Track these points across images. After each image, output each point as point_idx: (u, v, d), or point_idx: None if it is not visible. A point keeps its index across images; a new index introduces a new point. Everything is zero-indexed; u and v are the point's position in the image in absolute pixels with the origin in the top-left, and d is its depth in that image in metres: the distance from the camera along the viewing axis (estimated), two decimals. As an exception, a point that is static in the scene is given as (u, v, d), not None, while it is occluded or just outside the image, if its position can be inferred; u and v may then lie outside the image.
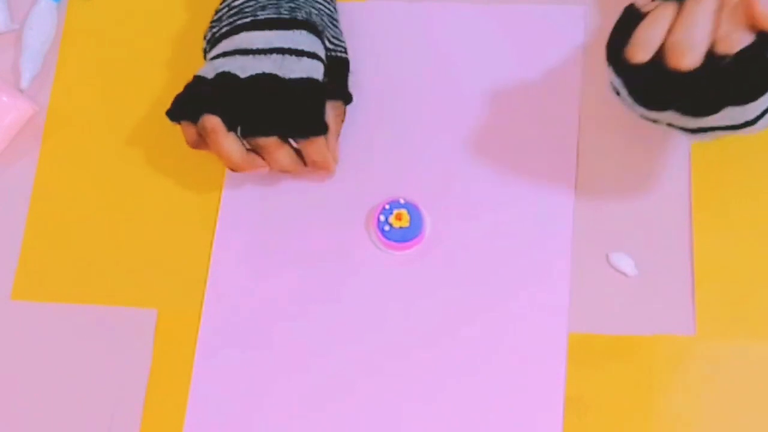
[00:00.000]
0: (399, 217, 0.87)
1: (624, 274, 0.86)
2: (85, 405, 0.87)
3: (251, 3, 0.89)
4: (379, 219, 0.87)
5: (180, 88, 0.95)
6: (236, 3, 0.90)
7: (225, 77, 0.85)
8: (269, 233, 0.90)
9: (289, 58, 0.86)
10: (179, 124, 0.87)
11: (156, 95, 0.96)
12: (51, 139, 0.96)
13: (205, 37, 0.91)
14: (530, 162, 0.90)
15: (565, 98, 0.91)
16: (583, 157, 0.89)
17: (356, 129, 0.92)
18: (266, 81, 0.85)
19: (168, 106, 0.94)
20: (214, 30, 0.90)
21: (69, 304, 0.90)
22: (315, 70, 0.87)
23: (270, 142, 0.85)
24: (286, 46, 0.86)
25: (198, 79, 0.87)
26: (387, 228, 0.87)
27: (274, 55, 0.86)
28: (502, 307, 0.86)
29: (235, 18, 0.89)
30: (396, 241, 0.87)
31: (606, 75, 0.77)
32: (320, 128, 0.86)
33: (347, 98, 0.91)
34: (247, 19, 0.88)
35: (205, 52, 0.91)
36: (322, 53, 0.88)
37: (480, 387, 0.84)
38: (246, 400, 0.86)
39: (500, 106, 0.91)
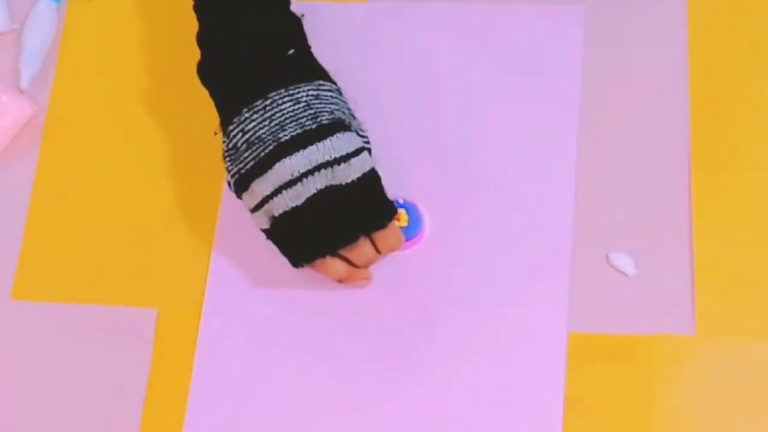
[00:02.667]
0: (398, 217, 0.87)
1: (624, 273, 0.86)
2: (85, 405, 0.87)
3: (264, 125, 0.82)
4: (378, 219, 0.87)
5: (180, 87, 0.95)
6: (249, 128, 0.83)
7: (283, 217, 0.81)
8: (269, 233, 0.90)
9: (338, 168, 0.81)
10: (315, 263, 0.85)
11: (156, 95, 0.96)
12: (51, 139, 0.96)
13: (229, 171, 0.84)
14: (530, 162, 0.90)
15: (565, 98, 0.91)
16: (583, 157, 0.89)
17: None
18: (325, 195, 0.81)
19: (167, 106, 0.95)
20: (239, 166, 0.83)
21: (69, 304, 0.90)
22: (365, 163, 0.83)
23: (360, 246, 0.83)
24: (329, 157, 0.81)
25: (266, 233, 0.84)
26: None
27: (323, 170, 0.81)
28: (502, 307, 0.86)
29: (255, 149, 0.82)
30: (395, 240, 0.87)
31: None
32: (390, 213, 0.84)
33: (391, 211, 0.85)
34: (271, 147, 0.81)
35: (232, 186, 0.85)
36: (360, 142, 0.83)
37: (480, 387, 0.84)
38: (246, 400, 0.86)
39: (500, 106, 0.91)
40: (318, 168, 0.81)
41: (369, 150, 0.85)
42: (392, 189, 0.89)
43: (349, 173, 0.81)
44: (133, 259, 0.91)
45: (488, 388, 0.84)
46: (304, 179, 0.81)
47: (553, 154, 0.90)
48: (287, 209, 0.81)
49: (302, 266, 0.84)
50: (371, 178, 0.83)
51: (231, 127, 0.84)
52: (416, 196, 0.89)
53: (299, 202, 0.81)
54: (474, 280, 0.87)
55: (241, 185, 0.83)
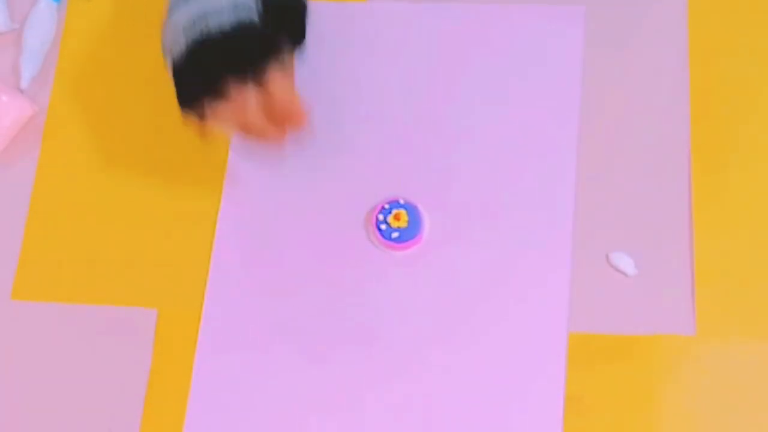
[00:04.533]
0: (398, 217, 0.87)
1: (624, 274, 0.86)
2: (85, 405, 0.87)
3: None
4: (377, 218, 0.87)
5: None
6: None
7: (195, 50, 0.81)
8: (269, 233, 0.90)
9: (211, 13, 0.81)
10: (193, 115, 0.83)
11: (156, 95, 0.96)
12: (51, 139, 0.96)
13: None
14: (530, 162, 0.90)
15: (565, 98, 0.91)
16: (583, 157, 0.89)
17: (356, 129, 0.92)
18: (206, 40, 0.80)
19: (167, 106, 0.94)
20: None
21: (69, 304, 0.90)
22: (241, 10, 0.81)
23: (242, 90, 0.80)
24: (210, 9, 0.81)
25: (180, 74, 0.83)
26: (385, 228, 0.87)
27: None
28: (502, 307, 0.86)
29: None
30: (394, 241, 0.87)
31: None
32: (271, 45, 0.81)
33: (297, 41, 0.84)
34: None
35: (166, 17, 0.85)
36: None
37: (480, 387, 0.84)
38: (246, 400, 0.86)
39: (500, 106, 0.91)
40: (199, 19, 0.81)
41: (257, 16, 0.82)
42: (392, 189, 0.89)
43: (222, 22, 0.80)
44: (133, 259, 0.91)
45: (488, 387, 0.84)
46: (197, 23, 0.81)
47: (553, 154, 0.90)
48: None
49: (193, 108, 0.82)
50: (248, 25, 0.80)
51: None
52: (416, 197, 0.89)
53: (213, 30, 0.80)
54: (474, 281, 0.87)
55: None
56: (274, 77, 0.80)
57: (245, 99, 0.80)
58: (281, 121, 0.81)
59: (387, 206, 0.88)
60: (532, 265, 0.87)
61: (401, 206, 0.88)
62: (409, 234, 0.87)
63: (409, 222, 0.87)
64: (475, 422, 0.83)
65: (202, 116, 0.82)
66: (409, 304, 0.87)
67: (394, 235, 0.87)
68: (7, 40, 0.99)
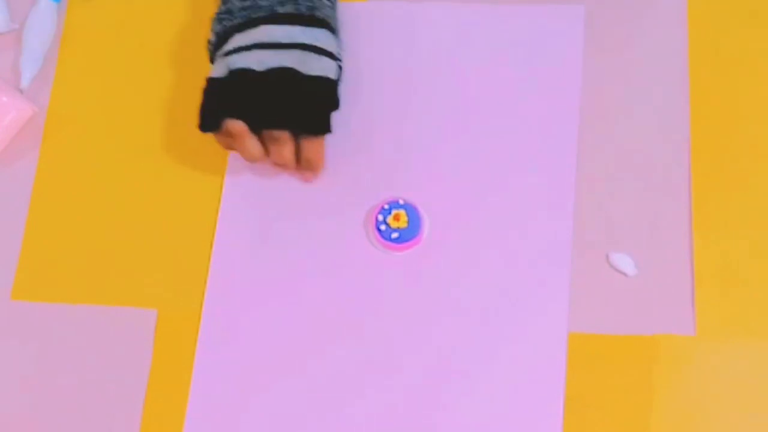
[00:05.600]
0: (397, 218, 0.87)
1: (624, 274, 0.86)
2: (85, 405, 0.87)
3: (265, 3, 0.89)
4: (377, 219, 0.87)
5: (180, 88, 0.95)
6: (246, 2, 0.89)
7: (241, 74, 0.86)
8: (269, 233, 0.90)
9: (310, 54, 0.87)
10: (211, 133, 0.88)
11: (156, 95, 0.96)
12: (51, 139, 0.96)
13: (212, 29, 0.90)
14: (530, 162, 0.90)
15: (565, 98, 0.91)
16: (583, 157, 0.89)
17: (356, 129, 0.92)
18: (284, 74, 0.86)
19: (167, 106, 0.95)
20: (225, 22, 0.89)
21: (69, 304, 0.90)
22: (331, 70, 0.88)
23: (281, 136, 0.86)
24: (308, 42, 0.87)
25: (212, 82, 0.88)
26: (384, 228, 0.87)
27: (297, 51, 0.87)
28: (502, 308, 0.86)
29: (250, 11, 0.88)
30: (394, 241, 0.87)
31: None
32: (328, 127, 0.88)
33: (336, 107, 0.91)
34: (265, 13, 0.88)
35: (213, 45, 0.90)
36: (338, 54, 0.89)
37: (480, 387, 0.84)
38: (246, 400, 0.86)
39: (500, 106, 0.91)
40: (295, 46, 0.86)
41: (339, 67, 0.90)
42: (392, 189, 0.89)
43: (314, 66, 0.86)
44: (133, 259, 0.91)
45: (488, 388, 0.84)
46: (279, 50, 0.86)
47: (553, 154, 0.90)
48: (247, 67, 0.86)
49: (214, 129, 0.87)
50: (329, 84, 0.87)
51: None
52: (416, 197, 0.89)
53: (261, 67, 0.86)
54: (474, 281, 0.87)
55: (223, 37, 0.89)
56: (317, 141, 0.88)
57: (281, 146, 0.87)
58: (301, 165, 0.89)
59: (386, 206, 0.88)
60: (532, 265, 0.87)
61: (401, 206, 0.88)
62: (408, 234, 0.87)
63: (408, 222, 0.87)
64: (475, 422, 0.83)
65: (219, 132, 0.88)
66: (408, 305, 0.87)
67: (394, 235, 0.87)
68: (7, 40, 0.99)
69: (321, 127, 0.88)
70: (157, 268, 0.90)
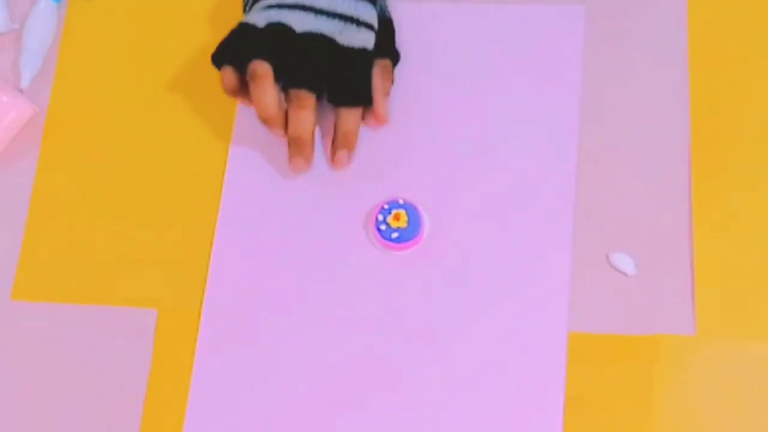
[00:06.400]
0: (397, 218, 0.87)
1: (624, 274, 0.86)
2: (85, 405, 0.87)
3: None
4: (377, 219, 0.87)
5: (179, 88, 0.95)
6: None
7: (279, 28, 0.85)
8: (269, 233, 0.90)
9: (349, 26, 0.87)
10: (220, 69, 0.87)
11: (156, 95, 0.96)
12: (51, 139, 0.96)
13: None
14: (530, 162, 0.90)
15: (565, 98, 0.91)
16: (583, 157, 0.89)
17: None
18: (323, 42, 0.85)
19: (167, 106, 0.94)
20: None
21: (69, 304, 0.90)
22: (369, 42, 0.88)
23: (307, 97, 0.85)
24: (348, 13, 0.87)
25: (246, 27, 0.87)
26: (385, 228, 0.87)
27: (336, 20, 0.87)
28: (502, 307, 0.86)
29: None
30: (394, 241, 0.87)
31: None
32: (365, 97, 0.87)
33: (395, 57, 0.91)
34: None
35: (247, 4, 0.90)
36: (376, 24, 0.89)
37: (480, 387, 0.84)
38: (246, 400, 0.86)
39: (500, 106, 0.91)
40: (335, 15, 0.86)
41: (391, 24, 0.91)
42: (392, 189, 0.89)
43: (352, 38, 0.86)
44: (133, 259, 0.91)
45: (488, 388, 0.84)
46: (319, 15, 0.86)
47: (553, 154, 0.90)
48: (284, 23, 0.85)
49: (230, 63, 0.86)
50: (367, 57, 0.87)
51: None
52: (416, 197, 0.89)
53: (300, 28, 0.85)
54: (473, 281, 0.87)
55: None
56: (353, 112, 0.87)
57: (303, 111, 0.86)
58: (337, 142, 0.89)
59: (386, 206, 0.88)
60: (532, 265, 0.87)
61: (401, 206, 0.88)
62: (408, 234, 0.87)
63: (408, 222, 0.87)
64: (475, 422, 0.83)
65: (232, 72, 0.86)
66: (408, 305, 0.87)
67: (394, 235, 0.87)
68: (7, 40, 0.99)
69: (359, 98, 0.87)
70: (157, 268, 0.90)
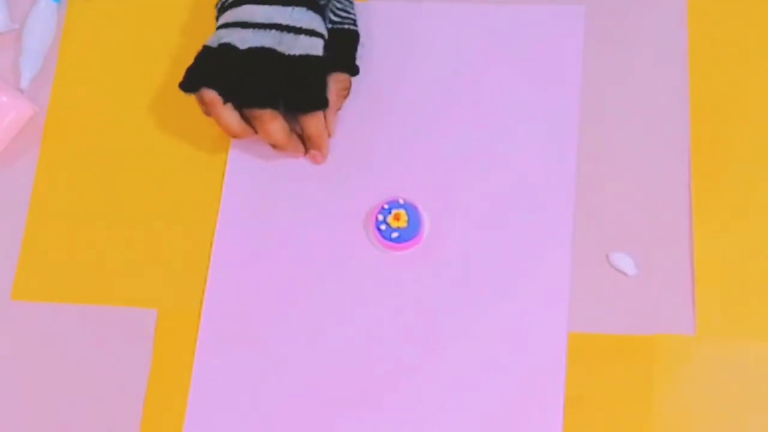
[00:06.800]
0: (397, 218, 0.87)
1: (624, 274, 0.86)
2: (85, 405, 0.87)
3: None
4: (377, 219, 0.87)
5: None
6: None
7: (226, 48, 0.87)
8: (269, 233, 0.90)
9: (287, 35, 0.87)
10: (194, 92, 0.88)
11: (156, 95, 0.96)
12: (51, 139, 0.96)
13: (216, 5, 0.92)
14: (530, 162, 0.90)
15: (565, 98, 0.91)
16: (583, 157, 0.89)
17: (356, 129, 0.92)
18: (264, 55, 0.87)
19: (167, 106, 0.94)
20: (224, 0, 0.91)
21: (69, 304, 0.90)
22: (313, 47, 0.88)
23: (264, 114, 0.87)
24: (284, 22, 0.88)
25: (205, 49, 0.89)
26: (385, 228, 0.87)
27: (273, 31, 0.87)
28: (502, 307, 0.86)
29: None
30: (394, 241, 0.87)
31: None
32: (318, 102, 0.88)
33: (352, 71, 0.92)
34: None
35: (217, 10, 0.92)
36: (322, 29, 0.89)
37: (480, 386, 0.84)
38: (246, 400, 0.86)
39: (500, 106, 0.91)
40: (271, 26, 0.87)
41: (354, 37, 0.92)
42: (392, 189, 0.89)
43: (292, 45, 0.87)
44: (133, 259, 0.91)
45: (489, 388, 0.84)
46: (258, 29, 0.87)
47: (553, 154, 0.90)
48: (230, 43, 0.87)
49: (191, 90, 0.88)
50: (314, 62, 0.88)
51: None
52: (416, 197, 0.89)
53: (242, 45, 0.87)
54: (474, 281, 0.87)
55: (221, 11, 0.90)
56: (313, 117, 0.89)
57: (266, 124, 0.88)
58: (306, 144, 0.91)
59: (387, 206, 0.88)
60: (532, 265, 0.87)
61: (401, 206, 0.88)
62: (408, 234, 0.87)
63: (408, 222, 0.87)
64: (475, 421, 0.83)
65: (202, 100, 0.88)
66: (408, 304, 0.87)
67: (394, 235, 0.87)
68: (7, 40, 0.99)
69: (308, 102, 0.88)
70: (157, 268, 0.90)
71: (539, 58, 0.93)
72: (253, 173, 0.92)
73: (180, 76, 0.88)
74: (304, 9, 0.89)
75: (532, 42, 0.93)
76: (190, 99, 0.91)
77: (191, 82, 0.88)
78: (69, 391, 0.87)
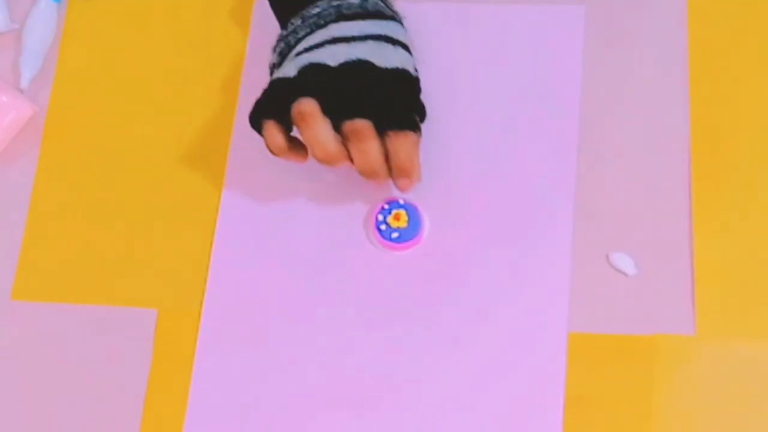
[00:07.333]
0: (397, 218, 0.87)
1: (624, 274, 0.86)
2: (85, 405, 0.87)
3: (331, 10, 0.85)
4: (377, 219, 0.87)
5: (179, 88, 0.95)
6: (312, 12, 0.85)
7: (313, 68, 0.80)
8: (269, 233, 0.90)
9: (385, 45, 0.82)
10: (260, 132, 0.82)
11: (156, 95, 0.96)
12: (51, 139, 0.96)
13: (274, 50, 0.87)
14: (530, 162, 0.90)
15: (565, 98, 0.91)
16: (583, 157, 0.89)
17: (356, 129, 0.92)
18: (361, 68, 0.80)
19: (167, 106, 0.94)
20: (289, 39, 0.85)
21: (69, 304, 0.90)
22: (409, 63, 0.84)
23: (365, 127, 0.78)
24: (382, 33, 0.83)
25: (278, 81, 0.81)
26: (385, 228, 0.87)
27: (370, 42, 0.82)
28: (502, 307, 0.86)
29: (315, 22, 0.84)
30: (394, 241, 0.87)
31: None
32: (415, 122, 0.81)
33: (423, 113, 0.84)
34: (333, 17, 0.84)
35: (273, 66, 0.86)
36: (412, 49, 0.86)
37: (480, 387, 0.84)
38: (246, 400, 0.86)
39: (500, 106, 0.91)
40: (367, 37, 0.81)
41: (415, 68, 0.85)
42: (392, 189, 0.89)
43: (391, 57, 0.81)
44: (133, 259, 0.91)
45: (488, 388, 0.84)
46: (353, 42, 0.81)
47: (553, 154, 0.90)
48: (319, 62, 0.80)
49: (262, 120, 0.80)
50: (410, 77, 0.82)
51: (293, 19, 0.85)
52: (416, 197, 0.89)
53: (334, 61, 0.80)
54: (473, 281, 0.87)
55: (288, 50, 0.83)
56: (408, 137, 0.81)
57: (365, 142, 0.79)
58: (393, 173, 0.82)
59: (386, 206, 0.88)
60: (532, 265, 0.87)
61: (401, 206, 0.88)
62: (408, 234, 0.87)
63: (408, 222, 0.87)
64: (475, 421, 0.83)
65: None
66: (408, 305, 0.87)
67: (394, 235, 0.87)
68: (7, 40, 0.99)
69: (408, 121, 0.80)
70: (157, 268, 0.90)
71: (539, 58, 0.93)
72: (253, 173, 0.92)
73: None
74: (398, 24, 0.85)
75: (532, 42, 0.93)
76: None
77: (267, 109, 0.80)
78: (69, 391, 0.87)
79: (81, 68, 0.98)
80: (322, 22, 0.84)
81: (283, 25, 0.88)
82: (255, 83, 0.93)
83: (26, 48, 0.97)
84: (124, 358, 0.88)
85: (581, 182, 0.89)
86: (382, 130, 0.80)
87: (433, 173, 0.90)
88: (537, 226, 0.88)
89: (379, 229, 0.87)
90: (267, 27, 0.94)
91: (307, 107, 0.78)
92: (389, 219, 0.87)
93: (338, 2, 0.86)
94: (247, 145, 0.92)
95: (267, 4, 0.92)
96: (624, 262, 0.86)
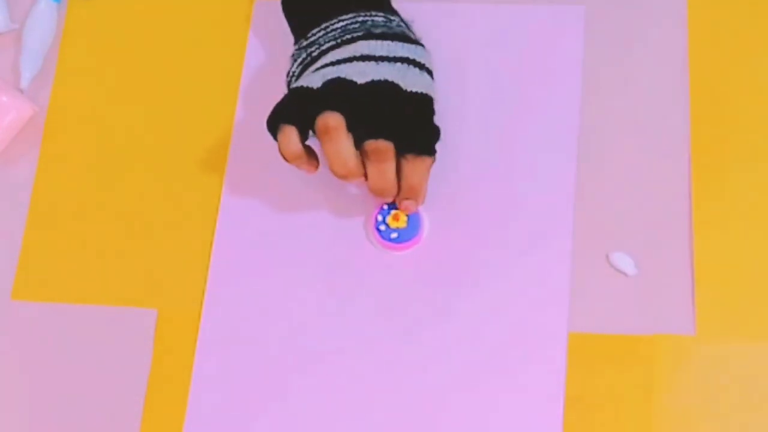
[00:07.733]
0: (397, 218, 0.87)
1: (624, 274, 0.86)
2: (86, 405, 0.87)
3: (356, 25, 0.85)
4: (376, 219, 0.87)
5: (179, 88, 0.95)
6: (336, 26, 0.86)
7: (339, 83, 0.80)
8: (268, 233, 0.90)
9: (413, 69, 0.83)
10: (275, 136, 0.82)
11: (156, 95, 0.96)
12: (51, 139, 0.96)
13: (294, 59, 0.87)
14: (530, 162, 0.90)
15: (565, 98, 0.91)
16: (583, 157, 0.89)
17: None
18: (387, 88, 0.80)
19: (167, 106, 0.94)
20: (312, 50, 0.85)
21: (69, 304, 0.90)
22: (432, 89, 0.84)
23: (388, 149, 0.80)
24: (411, 56, 0.84)
25: (301, 89, 0.81)
26: (384, 228, 0.87)
27: (398, 64, 0.82)
28: (502, 307, 0.86)
29: (340, 36, 0.85)
30: (394, 241, 0.87)
31: None
32: (433, 148, 0.83)
33: (437, 134, 0.84)
34: (360, 33, 0.84)
35: (293, 75, 0.86)
36: (433, 71, 0.86)
37: (480, 387, 0.84)
38: (246, 400, 0.86)
39: (500, 106, 0.91)
40: (396, 60, 0.81)
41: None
42: (392, 189, 0.89)
43: (416, 81, 0.82)
44: (133, 259, 0.91)
45: (488, 387, 0.84)
46: (382, 62, 0.81)
47: (553, 154, 0.90)
48: (345, 77, 0.80)
49: (281, 124, 0.80)
50: (430, 101, 0.83)
51: (314, 30, 0.85)
52: (416, 197, 0.89)
53: (362, 78, 0.80)
54: (473, 281, 0.87)
55: (310, 62, 0.83)
56: (423, 162, 0.82)
57: (384, 163, 0.80)
58: (401, 193, 0.83)
59: (386, 207, 0.87)
60: (532, 265, 0.87)
61: (401, 207, 0.88)
62: (408, 234, 0.87)
63: (408, 222, 0.87)
64: (475, 421, 0.83)
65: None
66: (408, 305, 0.87)
67: (394, 235, 0.87)
68: (7, 40, 0.99)
69: (428, 147, 0.82)
70: (157, 268, 0.90)
71: (539, 58, 0.93)
72: (253, 173, 0.92)
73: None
74: (423, 48, 0.86)
75: (532, 42, 0.93)
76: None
77: (288, 114, 0.80)
78: (69, 391, 0.87)
79: (81, 68, 0.98)
80: (349, 37, 0.84)
81: (299, 34, 0.88)
82: (255, 83, 0.94)
83: (26, 48, 0.97)
84: (124, 358, 0.88)
85: (581, 182, 0.89)
86: (400, 152, 0.81)
87: (432, 173, 0.90)
88: (537, 226, 0.88)
89: (378, 230, 0.87)
90: (267, 27, 0.95)
91: (333, 121, 0.79)
92: (388, 219, 0.87)
93: (363, 18, 0.86)
94: (247, 145, 0.92)
95: (267, 5, 0.92)
96: (624, 262, 0.86)
